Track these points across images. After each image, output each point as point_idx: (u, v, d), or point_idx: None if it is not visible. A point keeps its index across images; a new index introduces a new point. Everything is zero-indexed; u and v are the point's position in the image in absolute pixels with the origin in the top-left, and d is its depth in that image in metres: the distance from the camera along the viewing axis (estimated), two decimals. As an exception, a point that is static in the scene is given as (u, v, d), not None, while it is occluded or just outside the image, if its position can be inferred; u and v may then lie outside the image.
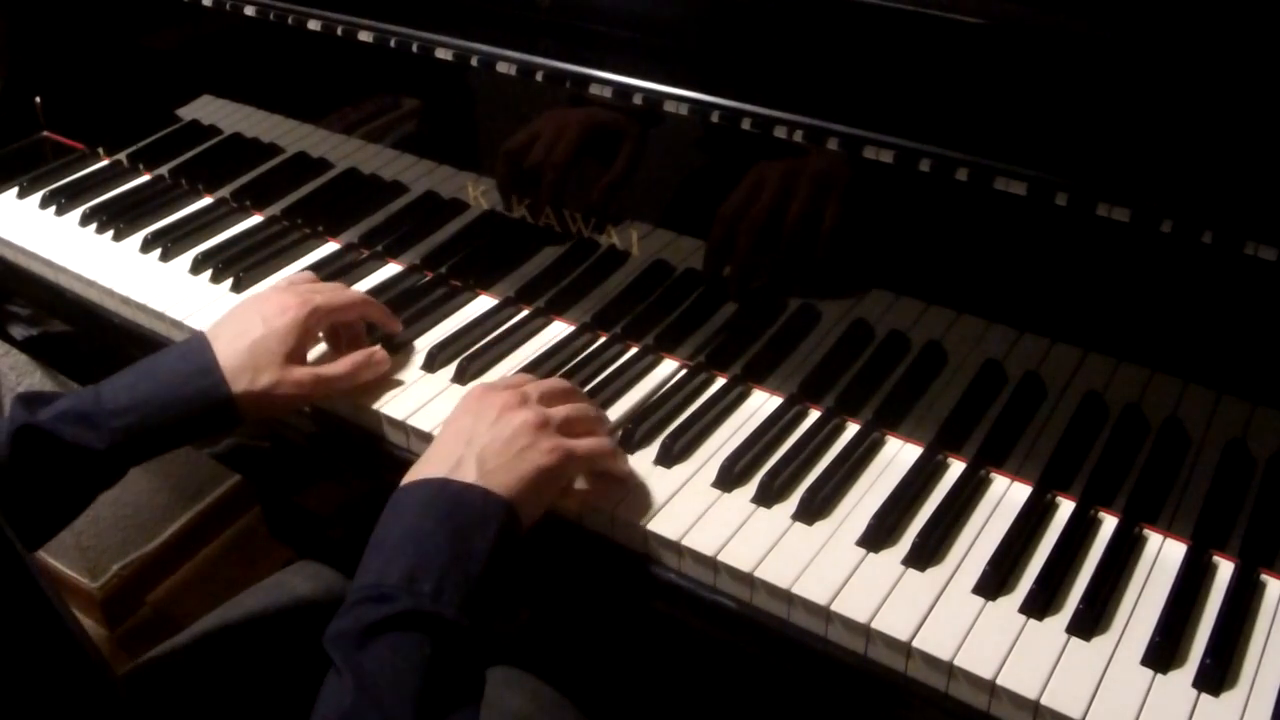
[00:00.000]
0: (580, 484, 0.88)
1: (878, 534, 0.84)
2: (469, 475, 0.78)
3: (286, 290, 0.97)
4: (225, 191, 1.28)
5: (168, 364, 0.91)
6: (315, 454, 1.04)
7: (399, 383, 1.01)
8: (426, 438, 0.94)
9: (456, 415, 0.85)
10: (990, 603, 0.80)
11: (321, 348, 1.03)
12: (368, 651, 0.70)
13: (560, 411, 0.85)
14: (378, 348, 1.00)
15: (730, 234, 0.94)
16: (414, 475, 0.80)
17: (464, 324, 1.08)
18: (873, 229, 0.90)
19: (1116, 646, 0.76)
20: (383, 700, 0.68)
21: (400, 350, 1.05)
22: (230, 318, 0.95)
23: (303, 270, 1.16)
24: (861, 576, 0.81)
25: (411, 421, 0.96)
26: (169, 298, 1.13)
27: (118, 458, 0.88)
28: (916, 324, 0.90)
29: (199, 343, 0.92)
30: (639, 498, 0.88)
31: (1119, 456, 0.86)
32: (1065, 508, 0.87)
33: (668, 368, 1.03)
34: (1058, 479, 0.88)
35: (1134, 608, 0.80)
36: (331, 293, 0.98)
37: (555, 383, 0.90)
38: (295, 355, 0.93)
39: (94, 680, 0.71)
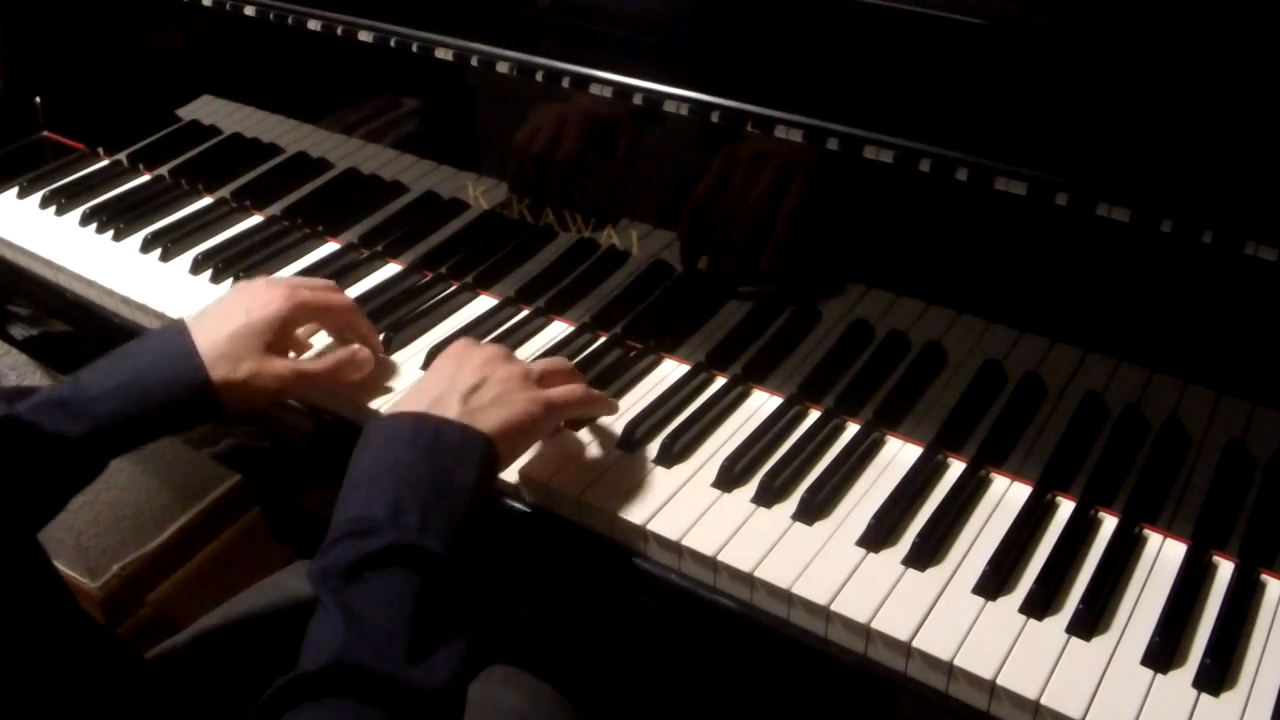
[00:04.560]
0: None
1: (878, 534, 0.84)
2: (450, 411, 0.79)
3: (273, 282, 0.96)
4: (225, 191, 1.29)
5: (147, 350, 0.90)
6: (315, 454, 1.04)
7: (399, 383, 1.01)
8: (426, 438, 0.94)
9: (440, 362, 0.87)
10: (990, 603, 0.80)
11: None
12: (356, 588, 0.70)
13: (539, 366, 0.88)
14: (362, 348, 0.99)
15: (720, 229, 0.94)
16: (392, 410, 0.81)
17: (464, 324, 1.08)
18: (873, 229, 0.90)
19: (1116, 646, 0.76)
20: (373, 637, 0.68)
21: (400, 350, 1.05)
22: (214, 306, 0.94)
23: (301, 270, 1.17)
24: (861, 576, 0.81)
25: (411, 421, 0.96)
26: (169, 298, 1.13)
27: (97, 446, 0.86)
28: (916, 324, 0.90)
29: (179, 329, 0.90)
30: (639, 498, 0.88)
31: (1119, 456, 0.86)
32: (1065, 508, 0.87)
33: (668, 368, 1.03)
34: (1058, 479, 0.88)
35: (1134, 608, 0.80)
36: (320, 291, 0.97)
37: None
38: (276, 347, 0.92)
39: (116, 661, 0.71)
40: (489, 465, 0.78)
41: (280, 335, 0.93)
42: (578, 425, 0.94)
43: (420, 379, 0.86)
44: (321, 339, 1.04)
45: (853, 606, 0.78)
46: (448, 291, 1.12)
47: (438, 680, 0.68)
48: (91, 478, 0.89)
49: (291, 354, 0.99)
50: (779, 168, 0.89)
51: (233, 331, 0.90)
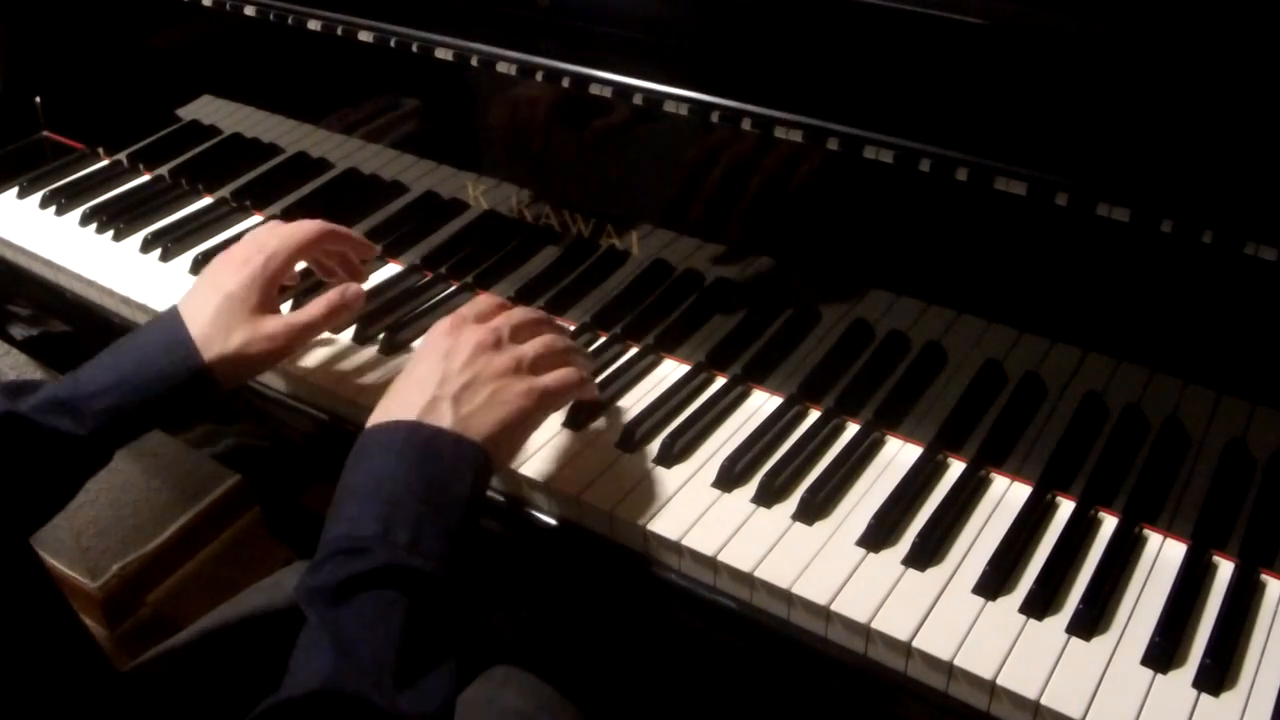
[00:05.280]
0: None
1: (878, 534, 0.84)
2: (443, 419, 0.76)
3: (242, 243, 0.95)
4: (225, 191, 1.29)
5: (141, 341, 0.90)
6: (315, 454, 1.04)
7: (399, 383, 1.01)
8: (426, 438, 0.94)
9: (428, 351, 0.82)
10: (990, 603, 0.80)
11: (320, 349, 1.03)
12: (345, 609, 0.68)
13: (531, 349, 0.83)
14: (349, 285, 0.97)
15: (726, 231, 0.94)
16: (383, 414, 0.78)
17: (464, 324, 1.08)
18: (873, 228, 0.90)
19: (1116, 646, 0.77)
20: (363, 662, 0.66)
21: (400, 351, 1.05)
22: (195, 285, 0.93)
23: (300, 270, 1.16)
24: (861, 576, 0.81)
25: (411, 421, 0.96)
26: (169, 298, 1.12)
27: (101, 441, 0.86)
28: (916, 324, 0.90)
29: (170, 316, 0.90)
30: (639, 498, 0.88)
31: (1119, 456, 0.86)
32: (1065, 508, 0.87)
33: (668, 368, 1.03)
34: (1058, 479, 0.88)
35: (1134, 608, 0.80)
36: (288, 233, 0.95)
37: (525, 313, 0.88)
38: (263, 307, 0.91)
39: (100, 676, 0.71)
40: (483, 474, 0.76)
41: (264, 293, 0.91)
42: (578, 426, 0.94)
43: (410, 368, 0.81)
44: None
45: (853, 606, 0.78)
46: (448, 291, 1.13)
47: (427, 706, 0.67)
48: (97, 470, 0.88)
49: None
50: (787, 182, 0.90)
51: (216, 306, 0.89)
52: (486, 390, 0.79)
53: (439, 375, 0.79)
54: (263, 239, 0.94)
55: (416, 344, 1.05)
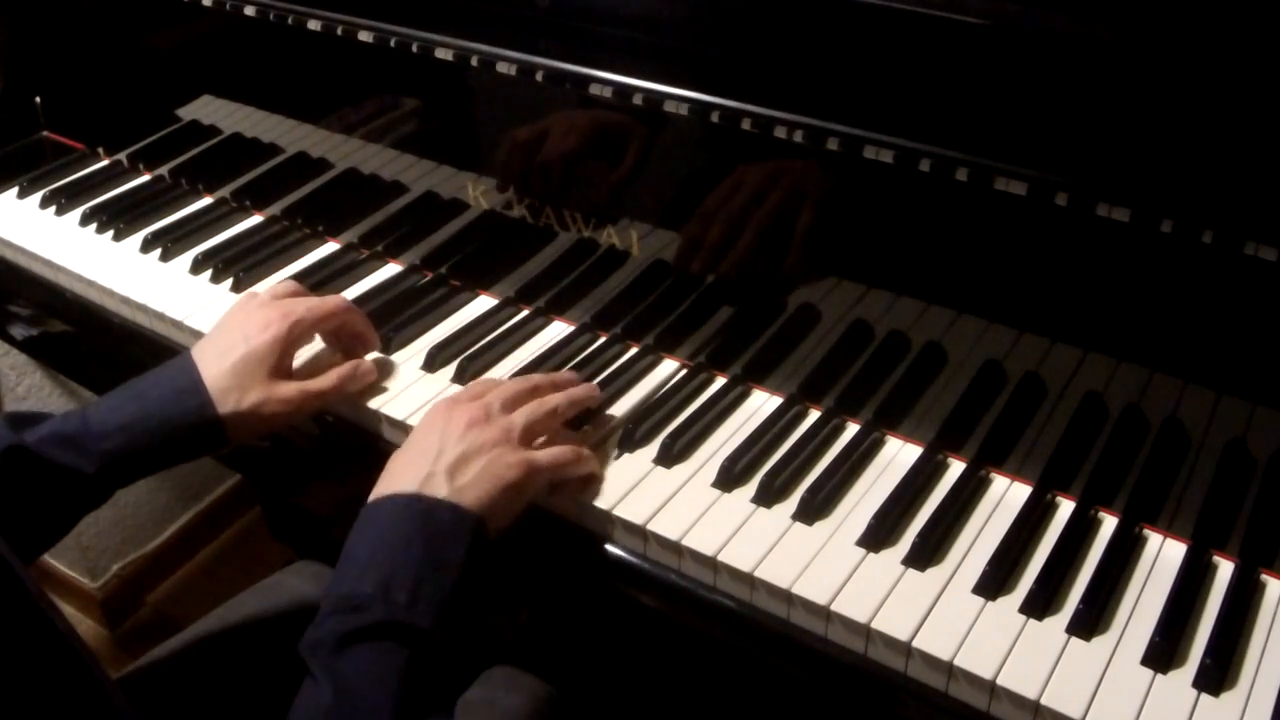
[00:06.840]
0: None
1: (878, 534, 0.84)
2: (440, 490, 0.80)
3: (268, 305, 0.96)
4: (225, 191, 1.29)
5: (155, 386, 0.91)
6: (315, 454, 1.04)
7: (399, 383, 1.01)
8: (426, 438, 0.94)
9: (422, 432, 0.86)
10: (990, 603, 0.80)
11: (310, 351, 1.03)
12: (345, 659, 0.72)
13: (520, 419, 0.86)
14: (364, 360, 0.99)
15: (727, 231, 0.94)
16: (382, 490, 0.81)
17: (464, 324, 1.08)
18: (873, 229, 0.90)
19: (1116, 646, 0.77)
20: (361, 704, 0.70)
21: (400, 350, 1.05)
22: (214, 336, 0.95)
23: (301, 270, 1.16)
24: (861, 576, 0.81)
25: (411, 422, 0.96)
26: (169, 298, 1.13)
27: (106, 480, 0.88)
28: (916, 324, 0.90)
29: (185, 363, 0.91)
30: (639, 498, 0.88)
31: (1119, 456, 0.86)
32: (1065, 508, 0.87)
33: (668, 368, 1.03)
34: (1058, 479, 0.88)
35: (1134, 608, 0.80)
36: (314, 303, 0.98)
37: (515, 385, 0.91)
38: (280, 371, 0.93)
39: (86, 683, 0.71)
40: (479, 540, 0.79)
41: (282, 357, 0.93)
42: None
43: (406, 448, 0.85)
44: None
45: (853, 606, 0.78)
46: (448, 291, 1.12)
47: None
48: (94, 508, 0.90)
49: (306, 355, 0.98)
50: (788, 182, 0.89)
51: (235, 362, 0.91)
52: (479, 463, 0.82)
53: (435, 450, 0.82)
54: (288, 306, 0.96)
55: (416, 344, 1.06)
